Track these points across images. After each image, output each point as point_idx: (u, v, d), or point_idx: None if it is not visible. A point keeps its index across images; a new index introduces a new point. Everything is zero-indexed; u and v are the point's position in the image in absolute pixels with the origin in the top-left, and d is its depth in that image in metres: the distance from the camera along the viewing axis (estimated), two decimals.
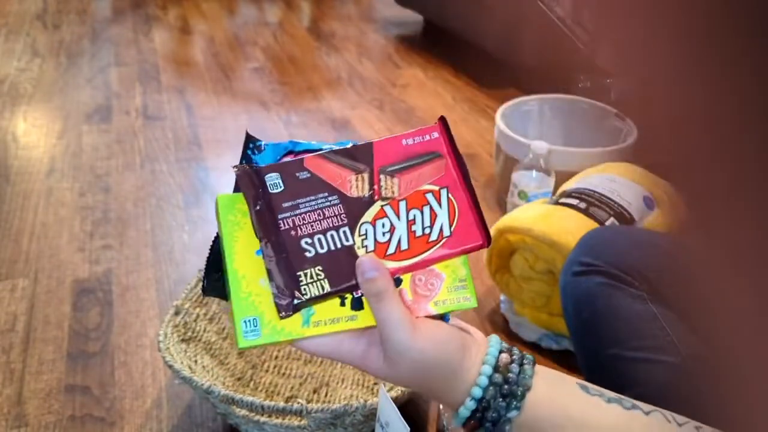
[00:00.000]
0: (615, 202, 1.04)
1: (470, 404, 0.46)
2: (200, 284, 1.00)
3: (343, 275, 0.45)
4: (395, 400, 0.77)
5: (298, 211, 0.46)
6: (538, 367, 0.48)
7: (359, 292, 0.46)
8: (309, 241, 0.45)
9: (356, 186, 0.47)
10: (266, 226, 0.45)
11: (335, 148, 0.48)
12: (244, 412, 0.78)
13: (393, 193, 0.47)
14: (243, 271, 0.45)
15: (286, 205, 0.46)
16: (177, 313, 0.93)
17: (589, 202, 1.04)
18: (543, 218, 1.02)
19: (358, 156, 0.48)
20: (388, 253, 0.46)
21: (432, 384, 0.46)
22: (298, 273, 0.44)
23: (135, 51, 2.29)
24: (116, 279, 1.19)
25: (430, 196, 0.48)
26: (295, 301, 0.44)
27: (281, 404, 0.75)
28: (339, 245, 0.45)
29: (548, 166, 1.25)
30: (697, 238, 0.18)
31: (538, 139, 1.30)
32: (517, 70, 2.03)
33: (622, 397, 0.47)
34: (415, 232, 0.47)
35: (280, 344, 0.46)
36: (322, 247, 0.45)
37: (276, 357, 1.04)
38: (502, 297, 1.14)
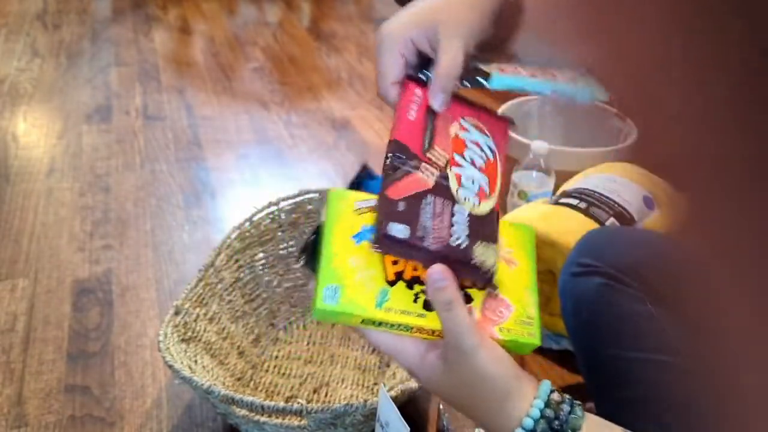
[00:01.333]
0: (615, 202, 1.04)
1: None
2: (200, 284, 1.00)
3: (429, 234, 0.48)
4: (395, 400, 0.77)
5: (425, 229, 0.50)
6: (586, 413, 0.48)
7: None
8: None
9: (429, 176, 0.51)
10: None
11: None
12: (244, 412, 0.78)
13: (442, 157, 0.52)
14: (336, 250, 0.50)
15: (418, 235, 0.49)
16: (177, 313, 0.93)
17: (590, 202, 1.04)
18: (543, 218, 1.02)
19: (401, 156, 0.52)
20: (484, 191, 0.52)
21: (483, 402, 0.47)
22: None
23: (135, 51, 2.29)
24: (116, 279, 1.19)
25: (461, 134, 0.54)
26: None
27: (281, 404, 0.75)
28: (446, 217, 0.50)
29: (548, 166, 1.25)
30: (697, 239, 0.18)
31: (538, 139, 1.30)
32: None
33: None
34: (481, 167, 0.53)
35: (351, 320, 0.49)
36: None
37: (276, 357, 1.04)
38: None
